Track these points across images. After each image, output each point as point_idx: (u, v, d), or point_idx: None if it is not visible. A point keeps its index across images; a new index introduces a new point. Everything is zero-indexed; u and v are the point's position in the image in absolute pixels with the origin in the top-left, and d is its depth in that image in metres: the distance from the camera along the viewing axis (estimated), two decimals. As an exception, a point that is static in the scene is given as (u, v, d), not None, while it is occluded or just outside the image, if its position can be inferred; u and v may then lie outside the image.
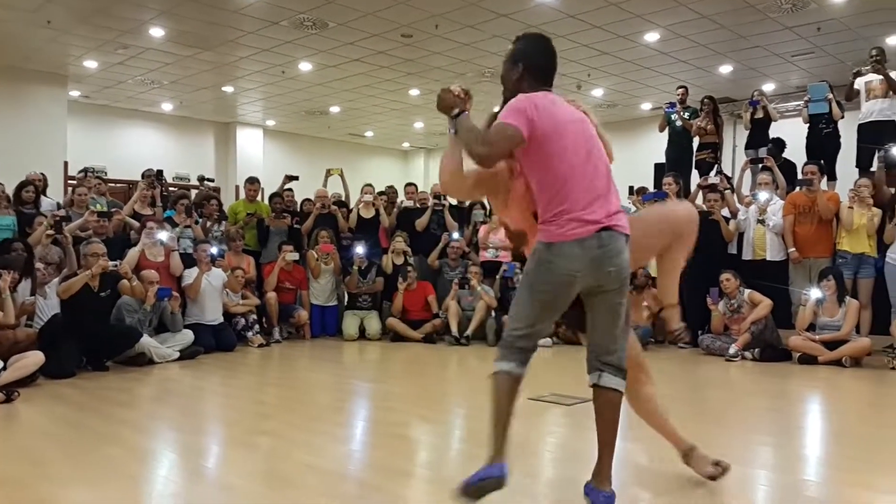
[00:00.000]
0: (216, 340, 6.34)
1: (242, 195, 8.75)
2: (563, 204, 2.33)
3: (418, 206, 8.40)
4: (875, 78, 7.38)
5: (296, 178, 8.42)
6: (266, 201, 8.45)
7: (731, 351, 6.04)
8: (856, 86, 7.62)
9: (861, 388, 5.01)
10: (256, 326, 6.88)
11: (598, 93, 12.45)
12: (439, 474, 2.92)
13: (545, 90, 2.47)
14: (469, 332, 7.04)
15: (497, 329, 7.06)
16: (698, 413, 4.15)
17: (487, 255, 7.80)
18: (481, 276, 7.36)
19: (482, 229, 7.94)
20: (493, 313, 7.22)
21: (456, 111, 2.47)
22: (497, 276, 7.47)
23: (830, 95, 7.80)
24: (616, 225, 2.36)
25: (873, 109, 7.41)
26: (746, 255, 6.83)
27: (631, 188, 8.33)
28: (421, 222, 8.10)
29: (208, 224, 7.41)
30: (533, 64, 2.50)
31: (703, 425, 3.78)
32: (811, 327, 5.93)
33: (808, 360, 5.76)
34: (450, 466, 3.08)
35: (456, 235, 7.90)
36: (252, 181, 8.17)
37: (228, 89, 12.22)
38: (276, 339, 7.07)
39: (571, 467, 3.01)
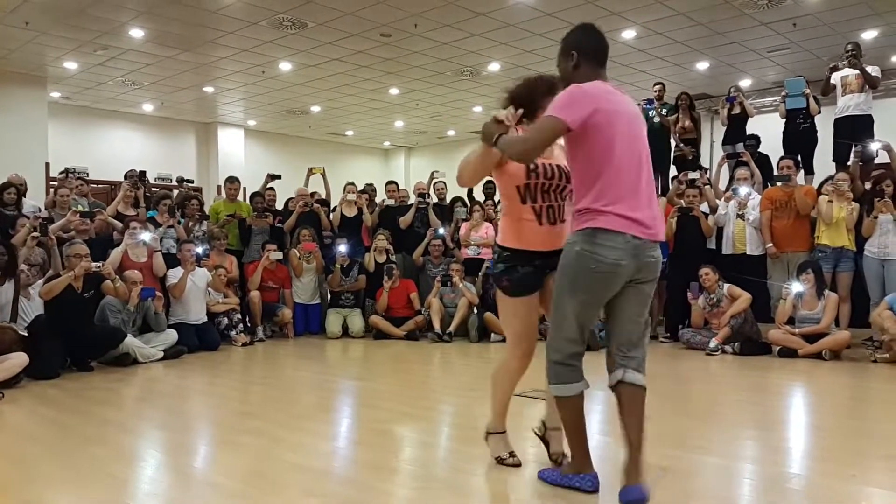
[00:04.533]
0: (200, 340, 6.34)
1: (224, 195, 8.73)
2: (607, 196, 2.35)
3: (394, 203, 8.42)
4: (851, 73, 7.50)
5: (278, 177, 8.42)
6: (247, 201, 8.43)
7: (712, 345, 6.11)
8: (832, 81, 7.73)
9: (841, 381, 5.10)
10: (240, 325, 6.88)
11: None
12: (425, 470, 2.96)
13: (601, 75, 2.50)
14: (452, 328, 7.08)
15: (479, 326, 7.11)
16: (680, 407, 4.21)
17: (469, 252, 7.85)
18: (463, 273, 7.40)
19: (464, 226, 7.98)
20: (475, 310, 7.26)
21: (496, 137, 2.47)
22: (479, 273, 7.51)
23: (807, 90, 7.90)
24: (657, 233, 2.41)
25: (849, 104, 7.52)
26: (726, 250, 6.91)
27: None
28: (405, 220, 8.13)
29: (190, 224, 7.39)
30: (584, 48, 2.54)
31: (685, 419, 3.85)
32: (790, 321, 6.01)
33: (788, 353, 5.84)
34: (435, 462, 3.11)
35: (441, 231, 7.94)
36: (232, 180, 8.15)
37: (209, 89, 12.16)
38: (260, 338, 7.07)
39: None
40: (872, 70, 7.43)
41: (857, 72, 7.41)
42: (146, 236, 6.32)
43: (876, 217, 6.06)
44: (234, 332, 6.78)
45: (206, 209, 8.32)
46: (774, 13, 8.62)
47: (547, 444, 2.91)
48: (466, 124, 15.58)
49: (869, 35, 9.26)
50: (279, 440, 3.36)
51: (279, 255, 7.31)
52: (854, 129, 7.33)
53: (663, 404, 4.29)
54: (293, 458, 3.03)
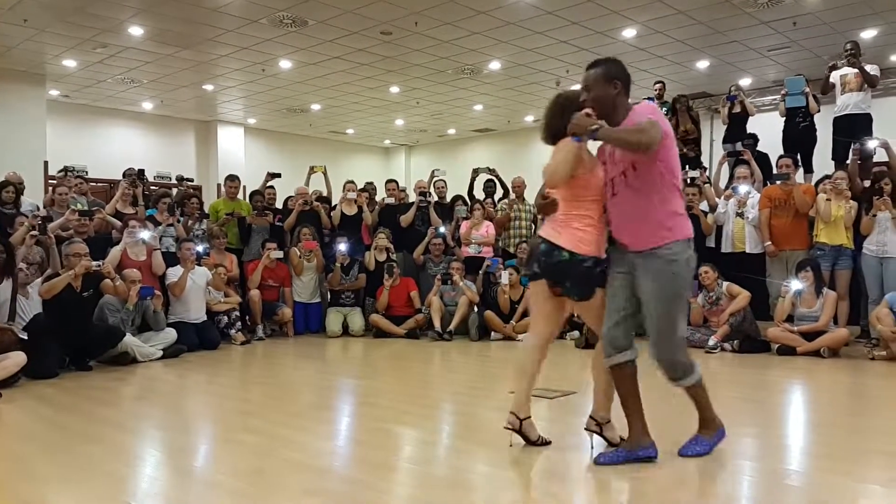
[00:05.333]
0: (199, 338, 6.34)
1: (224, 193, 8.73)
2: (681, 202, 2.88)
3: (395, 202, 8.42)
4: (850, 71, 7.50)
5: (278, 175, 8.41)
6: (247, 199, 8.43)
7: (711, 343, 6.12)
8: (831, 79, 7.74)
9: (839, 379, 5.10)
10: (239, 324, 6.88)
11: (576, 88, 12.50)
12: (424, 468, 2.96)
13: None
14: (452, 327, 7.08)
15: (479, 324, 7.11)
16: (679, 405, 4.21)
17: (470, 250, 7.85)
18: (464, 271, 7.40)
19: (464, 225, 7.99)
20: (475, 308, 7.27)
21: (594, 127, 2.76)
22: (480, 272, 7.52)
23: (807, 89, 7.90)
24: None
25: (848, 103, 7.53)
26: (725, 248, 6.92)
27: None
28: (406, 218, 8.13)
29: (189, 222, 7.39)
30: (624, 81, 2.98)
31: (684, 417, 3.85)
32: (789, 319, 6.02)
33: (787, 351, 5.85)
34: (435, 460, 3.11)
35: (442, 229, 7.95)
36: (232, 179, 8.15)
37: (209, 87, 12.16)
38: (260, 337, 7.07)
39: (555, 459, 3.06)
40: (871, 69, 7.44)
41: (856, 70, 7.41)
42: (145, 235, 6.31)
43: (874, 215, 6.07)
44: (233, 331, 6.78)
45: (206, 207, 8.33)
46: (774, 12, 8.62)
47: (605, 438, 3.08)
48: (467, 123, 15.59)
49: (868, 34, 9.26)
50: (279, 438, 3.36)
51: (280, 254, 7.32)
52: (853, 128, 7.33)
53: (663, 402, 4.29)
54: (293, 457, 3.03)
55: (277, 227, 7.94)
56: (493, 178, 8.91)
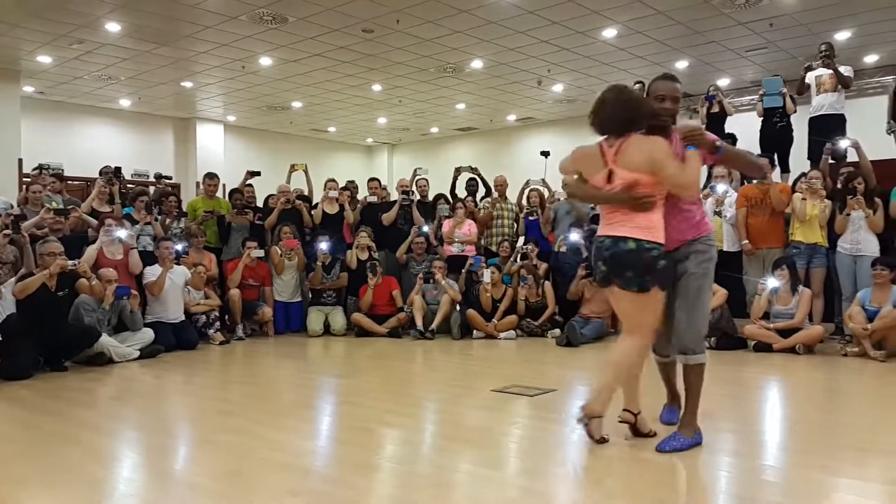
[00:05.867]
0: (177, 338, 6.28)
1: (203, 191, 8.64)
2: None
3: (378, 200, 8.41)
4: (825, 72, 7.61)
5: (257, 173, 8.35)
6: (226, 197, 8.36)
7: (687, 340, 6.17)
8: (807, 80, 7.85)
9: (814, 375, 5.18)
10: (218, 324, 6.83)
11: (557, 88, 12.56)
12: (407, 467, 2.96)
13: None
14: (434, 325, 7.08)
15: (461, 323, 7.12)
16: (657, 401, 4.25)
17: (453, 249, 7.86)
18: (446, 270, 7.41)
19: (446, 223, 7.99)
20: (457, 307, 7.27)
21: (719, 144, 3.01)
22: (463, 270, 7.52)
23: (784, 89, 8.00)
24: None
25: (823, 103, 7.64)
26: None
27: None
28: (388, 217, 8.12)
29: (167, 221, 7.32)
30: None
31: (659, 411, 3.89)
32: (765, 316, 6.10)
33: (763, 347, 5.93)
34: (417, 459, 3.11)
35: (426, 228, 7.95)
36: (211, 176, 8.07)
37: (187, 84, 12.03)
38: (239, 337, 7.02)
39: (536, 457, 3.08)
40: (845, 70, 7.55)
41: (831, 72, 7.52)
42: (122, 233, 6.24)
43: (848, 214, 6.17)
44: (211, 331, 6.73)
45: (184, 206, 8.25)
46: (752, 13, 8.71)
47: (636, 429, 3.21)
48: (450, 121, 15.58)
49: (842, 36, 9.39)
50: (259, 438, 3.34)
51: (260, 253, 7.27)
52: (828, 128, 7.44)
53: (644, 398, 4.33)
54: (273, 457, 3.02)
55: (257, 226, 7.89)
56: (476, 176, 8.92)
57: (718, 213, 6.80)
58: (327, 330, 7.44)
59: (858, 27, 9.21)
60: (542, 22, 9.00)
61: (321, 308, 7.51)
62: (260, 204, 8.46)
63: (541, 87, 12.36)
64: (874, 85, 10.73)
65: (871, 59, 10.61)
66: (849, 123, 7.62)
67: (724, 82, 11.41)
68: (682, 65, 10.89)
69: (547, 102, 13.75)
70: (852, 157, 7.06)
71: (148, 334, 5.97)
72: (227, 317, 7.19)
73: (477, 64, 10.86)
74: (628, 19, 8.94)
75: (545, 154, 9.03)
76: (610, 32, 9.42)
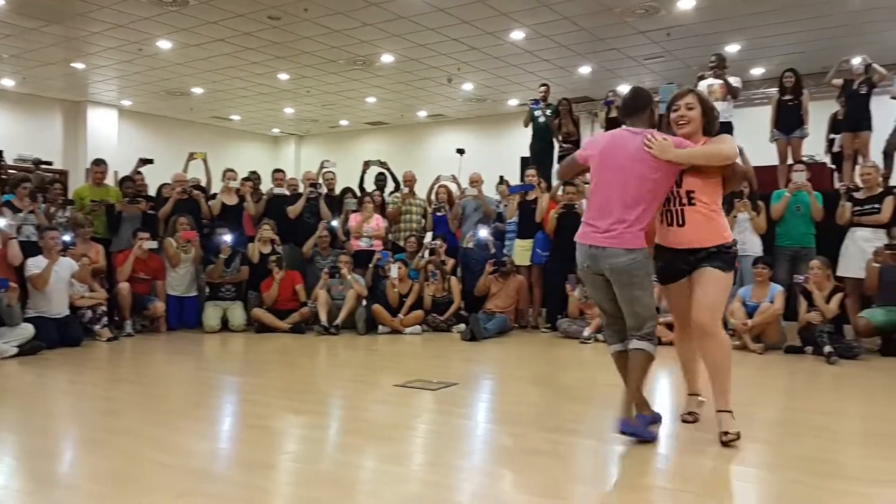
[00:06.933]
0: (61, 335, 5.90)
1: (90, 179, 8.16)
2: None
3: (288, 193, 8.22)
4: (716, 82, 8.03)
5: (150, 161, 7.96)
6: (117, 185, 7.94)
7: (585, 334, 6.40)
8: (699, 88, 8.26)
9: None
10: (105, 319, 6.46)
11: (468, 87, 12.70)
12: (307, 466, 2.89)
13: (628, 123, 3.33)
14: (339, 321, 6.99)
15: (367, 318, 7.07)
16: (557, 392, 4.38)
17: (361, 243, 7.78)
18: (352, 264, 7.33)
19: (353, 217, 7.91)
20: (363, 302, 7.21)
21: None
22: (370, 265, 7.46)
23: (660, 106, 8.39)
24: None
25: (714, 111, 8.05)
26: (602, 245, 7.22)
27: (501, 178, 8.65)
28: (294, 209, 7.94)
29: (52, 209, 6.87)
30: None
31: (562, 403, 4.00)
32: (657, 311, 6.37)
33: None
34: (317, 456, 3.05)
35: (334, 223, 7.83)
36: (98, 163, 7.62)
37: (79, 66, 11.35)
38: (128, 333, 6.67)
39: (439, 450, 3.09)
40: (734, 80, 8.01)
41: (722, 81, 7.95)
42: (1, 222, 5.81)
43: (735, 216, 6.56)
44: (97, 327, 6.35)
45: (71, 194, 7.77)
46: (651, 22, 9.10)
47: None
48: (360, 115, 15.43)
49: (733, 48, 9.97)
50: (148, 439, 3.18)
51: (153, 245, 6.93)
52: (717, 135, 7.85)
53: (542, 390, 4.44)
54: (163, 458, 2.88)
55: (150, 216, 7.52)
56: (385, 171, 8.88)
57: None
58: (225, 326, 7.20)
59: (747, 41, 9.81)
60: (452, 20, 9.06)
61: (219, 303, 7.25)
62: (153, 193, 8.08)
63: (451, 84, 12.45)
64: (760, 96, 11.43)
65: (757, 71, 11.33)
66: (736, 131, 8.06)
67: (623, 88, 11.85)
68: (585, 70, 11.25)
69: (457, 100, 13.87)
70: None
71: (27, 330, 5.57)
72: (115, 312, 6.82)
73: (387, 58, 10.80)
74: (535, 23, 9.15)
75: (460, 151, 9.12)
76: (518, 35, 9.60)
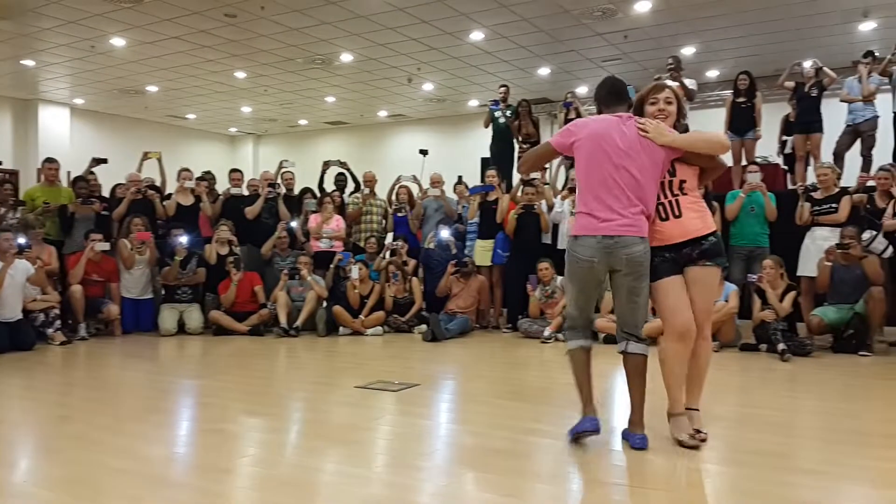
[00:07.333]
0: (12, 339, 5.75)
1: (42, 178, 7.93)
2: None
3: (246, 193, 8.11)
4: (672, 84, 8.16)
5: (104, 160, 7.78)
6: (70, 186, 7.74)
7: (546, 334, 6.46)
8: (656, 91, 8.40)
9: (653, 364, 5.53)
10: (58, 322, 6.29)
11: (428, 87, 12.70)
12: (266, 470, 2.85)
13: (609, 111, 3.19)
14: (299, 323, 6.92)
15: (327, 319, 7.02)
16: (518, 391, 4.41)
17: (321, 245, 7.72)
18: (312, 265, 7.26)
19: (313, 218, 7.84)
20: (323, 303, 7.16)
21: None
22: (331, 266, 7.41)
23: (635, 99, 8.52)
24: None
25: (668, 113, 8.20)
26: (561, 245, 7.29)
27: (459, 178, 8.68)
28: (252, 210, 7.84)
29: (2, 210, 6.66)
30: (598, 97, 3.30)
31: (521, 403, 4.03)
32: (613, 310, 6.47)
33: (612, 339, 6.27)
34: (277, 460, 3.01)
35: (294, 224, 7.76)
36: (51, 161, 7.42)
37: (29, 63, 11.02)
38: (82, 337, 6.52)
39: (401, 451, 3.08)
40: (690, 83, 8.17)
41: (678, 84, 8.09)
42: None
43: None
44: (50, 330, 6.19)
45: (22, 194, 7.54)
46: (608, 24, 9.24)
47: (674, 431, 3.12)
48: (319, 114, 15.31)
49: (688, 51, 10.18)
50: (102, 445, 3.11)
51: (106, 246, 6.77)
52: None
53: (503, 390, 4.47)
54: (118, 464, 2.81)
55: (104, 217, 7.34)
56: (345, 171, 8.82)
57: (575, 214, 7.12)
58: (182, 329, 7.07)
59: (702, 44, 10.02)
60: (412, 20, 9.06)
61: (175, 305, 7.12)
62: (106, 193, 7.90)
63: (411, 84, 12.44)
64: (715, 98, 11.71)
65: (712, 73, 11.59)
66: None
67: (582, 90, 12.02)
68: (544, 71, 11.35)
69: (418, 100, 13.86)
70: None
71: (-24, 334, 5.41)
72: (68, 315, 6.65)
73: (347, 57, 10.74)
74: (495, 24, 9.19)
75: (424, 153, 9.10)
76: (477, 35, 9.64)
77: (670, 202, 3.03)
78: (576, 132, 3.07)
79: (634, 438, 3.03)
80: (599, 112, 3.19)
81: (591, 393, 3.13)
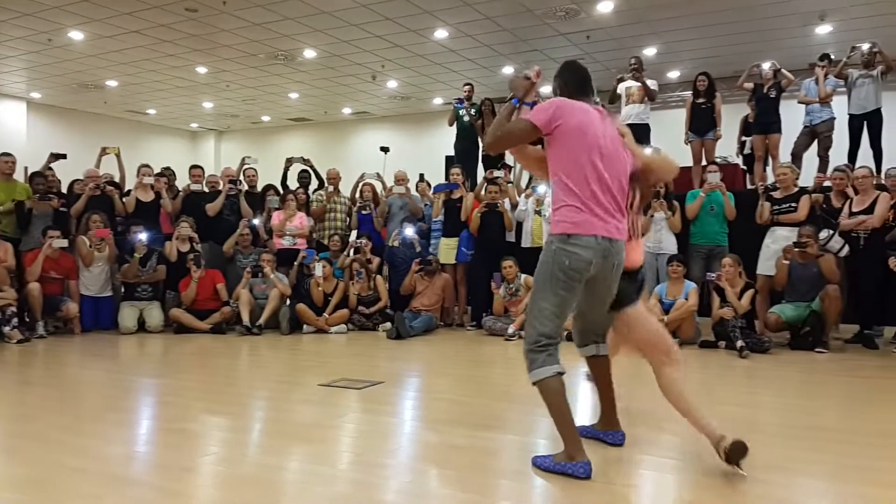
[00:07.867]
0: (-35, 339, 5.59)
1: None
2: None
3: (207, 189, 8.00)
4: (634, 84, 8.31)
5: (62, 156, 7.61)
6: (26, 181, 7.54)
7: (510, 331, 6.52)
8: (618, 91, 8.53)
9: (618, 360, 5.63)
10: (15, 320, 6.14)
11: (392, 84, 12.68)
12: (228, 468, 2.84)
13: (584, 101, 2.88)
14: (262, 321, 6.87)
15: (291, 317, 6.98)
16: (482, 389, 4.45)
17: (284, 242, 7.66)
18: (275, 263, 7.21)
19: (276, 216, 7.78)
20: (287, 301, 7.11)
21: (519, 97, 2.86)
22: (295, 263, 7.36)
23: (597, 99, 8.63)
24: None
25: (631, 113, 8.35)
26: (525, 243, 7.37)
27: (421, 176, 8.69)
28: (213, 207, 7.74)
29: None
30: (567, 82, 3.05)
31: (485, 400, 4.07)
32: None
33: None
34: (240, 459, 3.00)
35: (256, 221, 7.68)
36: (6, 155, 7.22)
37: (-19, 55, 10.70)
38: (40, 335, 6.38)
39: (365, 449, 3.09)
40: (651, 83, 8.31)
41: (640, 84, 8.23)
42: None
43: (652, 215, 6.81)
44: (7, 328, 6.04)
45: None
46: (571, 25, 9.33)
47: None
48: (282, 111, 15.17)
49: (650, 52, 10.34)
50: (60, 444, 3.06)
51: (64, 243, 6.63)
52: (635, 136, 8.13)
53: (467, 387, 4.50)
54: (78, 464, 2.78)
55: (62, 213, 7.18)
56: (308, 168, 8.76)
57: (539, 213, 7.22)
58: (142, 327, 6.96)
59: (663, 44, 10.19)
60: (376, 17, 9.03)
61: (135, 303, 7.01)
62: (64, 189, 7.72)
63: (375, 81, 12.40)
64: (675, 98, 11.92)
65: (673, 74, 11.79)
66: (652, 133, 8.38)
67: (546, 90, 12.07)
68: (508, 70, 11.42)
69: (382, 98, 13.83)
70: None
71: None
72: (26, 313, 6.49)
73: (310, 53, 10.67)
74: (458, 22, 9.22)
75: (385, 150, 9.07)
76: (441, 33, 9.66)
77: (633, 221, 2.81)
78: (561, 116, 2.67)
79: (618, 436, 3.07)
80: (570, 98, 2.83)
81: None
